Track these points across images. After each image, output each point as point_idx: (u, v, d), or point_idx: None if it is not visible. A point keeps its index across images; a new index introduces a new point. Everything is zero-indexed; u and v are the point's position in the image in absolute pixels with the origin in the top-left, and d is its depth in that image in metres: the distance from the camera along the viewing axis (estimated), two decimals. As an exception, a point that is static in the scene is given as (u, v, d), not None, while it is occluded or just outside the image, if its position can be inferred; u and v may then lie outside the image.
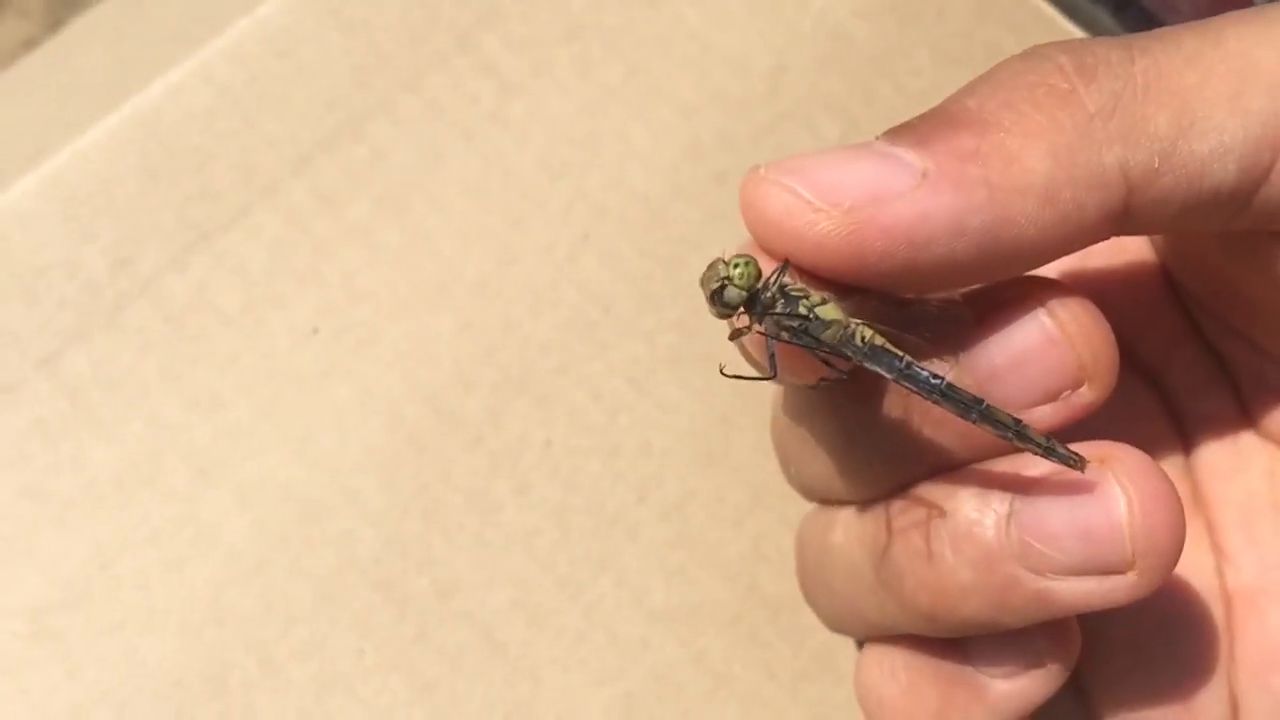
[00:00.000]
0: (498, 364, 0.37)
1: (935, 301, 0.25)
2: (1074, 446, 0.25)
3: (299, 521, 0.36)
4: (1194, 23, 0.26)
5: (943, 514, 0.26)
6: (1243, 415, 0.31)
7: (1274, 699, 0.29)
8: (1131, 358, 0.31)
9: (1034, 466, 0.25)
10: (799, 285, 0.24)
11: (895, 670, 0.29)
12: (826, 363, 0.25)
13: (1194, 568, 0.30)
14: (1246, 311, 0.29)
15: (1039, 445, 0.24)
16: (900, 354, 0.24)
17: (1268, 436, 0.30)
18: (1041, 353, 0.25)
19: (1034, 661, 0.27)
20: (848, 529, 0.28)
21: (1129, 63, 0.25)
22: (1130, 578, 0.25)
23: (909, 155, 0.24)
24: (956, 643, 0.28)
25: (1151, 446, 0.26)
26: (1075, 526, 0.25)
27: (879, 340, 0.24)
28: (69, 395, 0.36)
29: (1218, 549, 0.30)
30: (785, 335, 0.24)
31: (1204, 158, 0.24)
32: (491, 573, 0.36)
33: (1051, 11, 0.41)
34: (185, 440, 0.36)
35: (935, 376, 0.24)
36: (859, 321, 0.24)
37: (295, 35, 0.38)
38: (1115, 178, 0.24)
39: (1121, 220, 0.24)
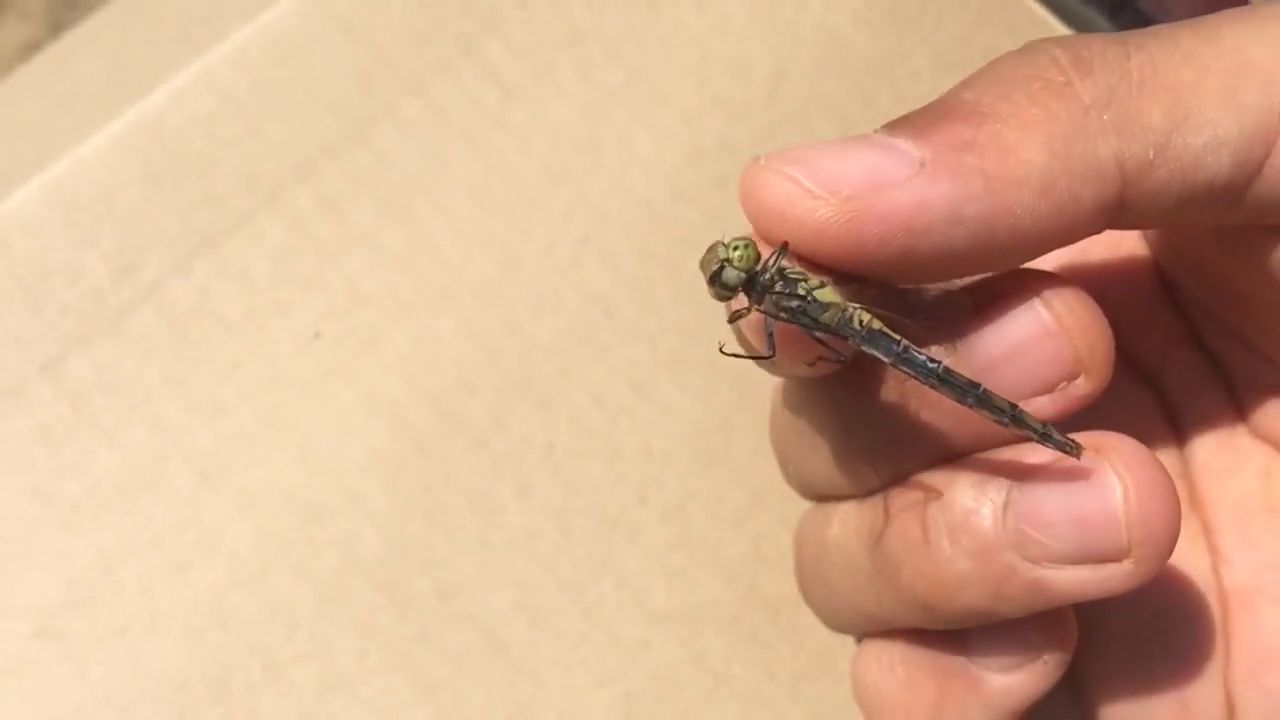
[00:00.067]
0: (500, 367, 0.37)
1: (933, 291, 0.26)
2: (1069, 436, 0.25)
3: (302, 524, 0.36)
4: (1190, 20, 0.26)
5: (940, 503, 0.26)
6: (1238, 415, 0.31)
7: (1269, 698, 0.29)
8: (1128, 358, 0.31)
9: (1030, 456, 0.26)
10: (797, 269, 0.25)
11: (893, 664, 0.29)
12: (823, 343, 0.25)
13: (1189, 567, 0.30)
14: (1240, 309, 0.30)
15: (1035, 430, 0.25)
16: (897, 338, 0.25)
17: (1262, 437, 0.30)
18: (1038, 344, 0.25)
19: (1030, 656, 0.27)
20: (845, 522, 0.28)
21: (1124, 58, 0.25)
22: (1126, 566, 0.25)
23: (907, 145, 0.24)
24: (954, 637, 0.28)
25: (1147, 445, 0.26)
26: (1071, 514, 0.25)
27: (876, 324, 0.25)
28: (72, 400, 0.36)
29: (1213, 549, 0.31)
30: (784, 315, 0.25)
31: (1198, 151, 0.24)
32: (494, 574, 0.36)
33: (1048, 16, 0.42)
34: (188, 445, 0.36)
35: (932, 360, 0.24)
36: (857, 305, 0.25)
37: (298, 41, 0.38)
38: (1110, 169, 0.24)
39: (1116, 213, 0.25)
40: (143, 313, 0.37)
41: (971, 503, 0.25)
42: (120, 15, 0.44)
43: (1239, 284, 0.29)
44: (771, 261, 0.25)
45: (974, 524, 0.25)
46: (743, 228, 0.25)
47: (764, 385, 0.32)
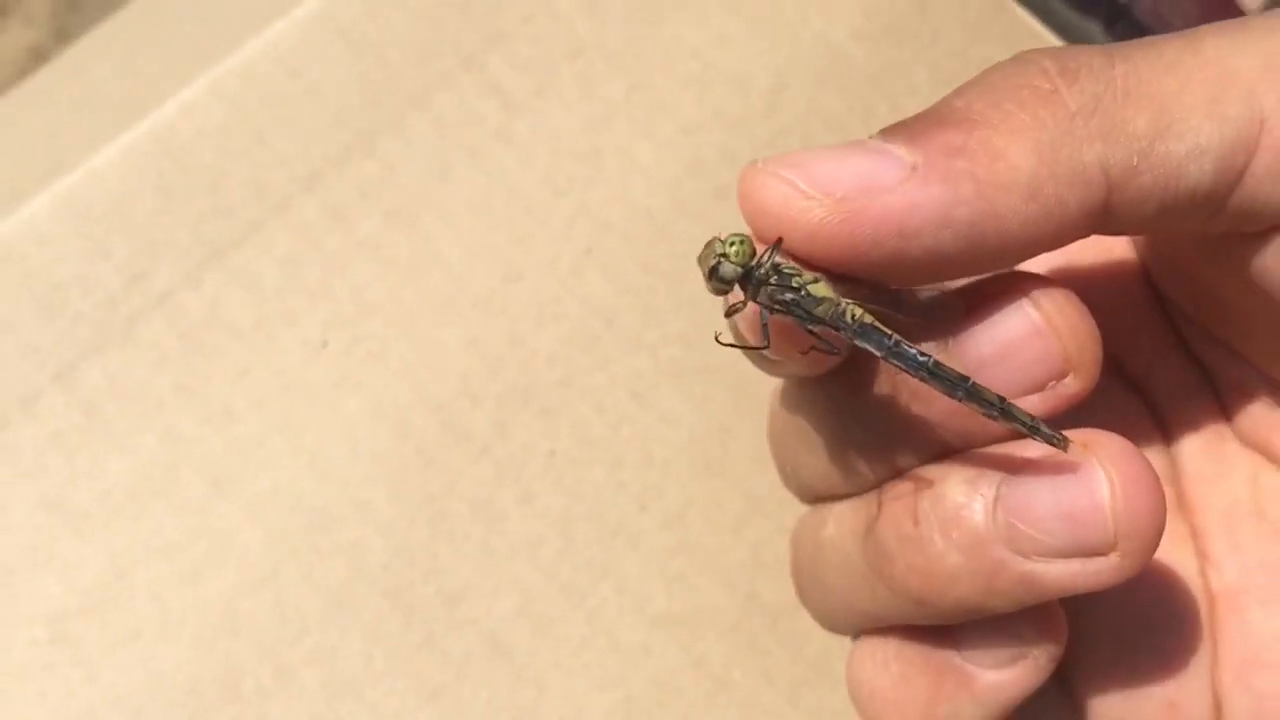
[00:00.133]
0: (503, 377, 0.38)
1: (925, 293, 0.26)
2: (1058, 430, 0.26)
3: (309, 531, 0.36)
4: (1175, 33, 0.26)
5: (931, 499, 0.26)
6: (1225, 422, 0.31)
7: (1256, 699, 0.29)
8: (1117, 364, 0.32)
9: (1020, 452, 0.26)
10: (792, 264, 0.25)
11: (887, 661, 0.29)
12: (816, 335, 0.26)
13: (1177, 570, 0.30)
14: (1222, 315, 0.30)
15: (1023, 423, 0.25)
16: (889, 332, 0.25)
17: (1248, 443, 0.31)
18: (1027, 343, 0.26)
19: (1020, 652, 0.28)
20: (840, 521, 0.29)
21: (1110, 67, 0.25)
22: (1113, 559, 0.25)
23: (900, 150, 0.25)
24: (946, 634, 0.28)
25: None
26: (1059, 509, 0.25)
27: (869, 318, 0.25)
28: (84, 408, 0.36)
29: (1201, 553, 0.31)
30: (779, 308, 0.25)
31: (1181, 158, 0.25)
32: (497, 580, 0.37)
33: (1044, 30, 0.42)
34: (199, 452, 0.37)
35: (923, 354, 0.25)
36: (850, 301, 0.25)
37: (306, 54, 0.39)
38: (1096, 175, 0.25)
39: (1102, 218, 0.25)
40: (154, 322, 0.37)
41: (963, 498, 0.26)
42: (127, 28, 0.44)
43: (1221, 291, 0.29)
44: (766, 257, 0.25)
45: (965, 519, 0.26)
46: (743, 237, 0.26)
47: (762, 394, 0.33)
